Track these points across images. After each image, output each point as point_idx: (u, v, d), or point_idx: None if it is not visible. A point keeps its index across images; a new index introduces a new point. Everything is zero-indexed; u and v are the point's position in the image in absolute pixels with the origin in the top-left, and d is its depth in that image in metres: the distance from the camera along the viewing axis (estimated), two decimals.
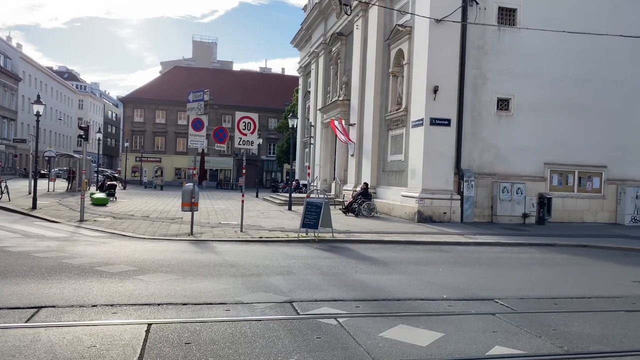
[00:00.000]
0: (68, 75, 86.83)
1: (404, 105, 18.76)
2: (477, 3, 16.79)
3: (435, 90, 16.40)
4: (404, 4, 18.99)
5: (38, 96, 18.92)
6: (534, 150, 17.64)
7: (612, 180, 18.56)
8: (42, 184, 27.46)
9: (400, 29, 18.90)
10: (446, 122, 16.70)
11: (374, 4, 20.56)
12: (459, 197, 16.74)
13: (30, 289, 6.03)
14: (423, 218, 16.24)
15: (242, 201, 14.02)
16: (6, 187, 20.58)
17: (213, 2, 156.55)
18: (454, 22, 16.28)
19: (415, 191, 16.73)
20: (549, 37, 16.94)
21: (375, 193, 20.18)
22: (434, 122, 16.58)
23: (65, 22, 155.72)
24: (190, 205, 12.53)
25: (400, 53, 19.30)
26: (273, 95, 59.48)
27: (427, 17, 16.29)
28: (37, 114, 17.91)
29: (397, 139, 19.52)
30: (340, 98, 25.88)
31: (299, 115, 36.44)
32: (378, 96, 20.99)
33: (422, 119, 16.70)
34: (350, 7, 19.01)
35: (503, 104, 17.65)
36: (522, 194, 17.26)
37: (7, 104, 56.92)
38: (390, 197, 19.15)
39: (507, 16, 17.56)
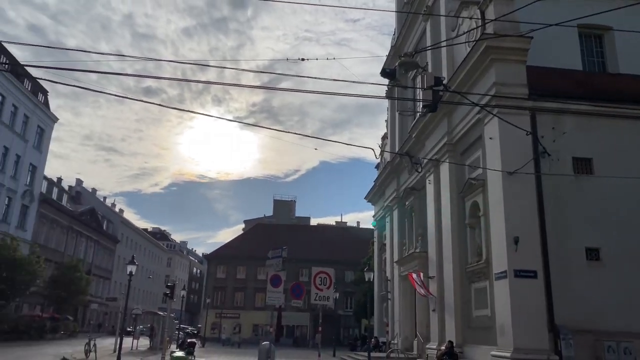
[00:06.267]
0: (160, 235, 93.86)
1: (484, 257, 18.19)
2: (549, 155, 16.93)
3: (516, 241, 15.88)
4: (474, 159, 19.55)
5: (132, 257, 20.47)
6: (637, 306, 15.94)
7: None
8: (127, 341, 28.15)
9: (472, 182, 19.20)
10: (532, 274, 15.80)
11: (444, 161, 21.33)
12: (557, 357, 15.05)
13: None
14: None
15: None
16: (94, 345, 21.33)
17: (296, 163, 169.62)
18: (527, 174, 16.36)
19: (507, 351, 15.30)
20: (631, 184, 16.40)
21: (462, 352, 18.66)
22: (519, 274, 15.74)
23: (164, 187, 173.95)
24: None
25: (475, 205, 19.33)
26: (349, 248, 60.06)
27: (498, 170, 16.55)
28: (130, 274, 19.19)
29: (480, 292, 18.57)
30: (417, 250, 25.64)
31: (375, 268, 36.10)
32: (456, 248, 20.59)
33: (505, 271, 15.97)
34: (421, 165, 19.85)
35: (592, 254, 16.60)
36: (631, 354, 15.23)
37: (104, 265, 61.60)
38: (479, 357, 17.58)
39: (582, 166, 17.42)
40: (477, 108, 17.85)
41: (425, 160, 23.21)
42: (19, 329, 34.91)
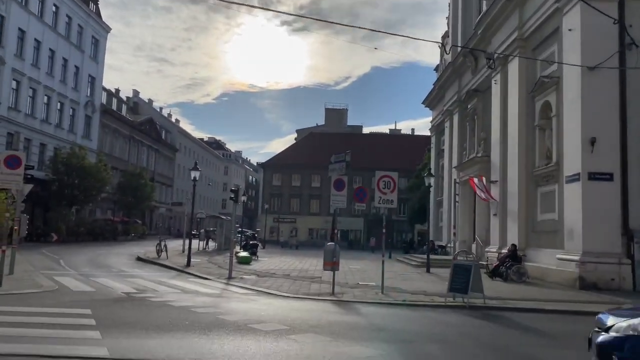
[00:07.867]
0: (216, 145, 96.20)
1: (554, 160, 17.28)
2: (637, 46, 15.21)
3: (593, 142, 14.86)
4: (548, 54, 17.96)
5: (195, 163, 20.91)
6: None
7: None
8: (193, 242, 29.86)
9: (545, 80, 17.80)
10: (608, 177, 14.92)
11: (515, 56, 19.75)
12: (629, 261, 14.58)
13: (194, 343, 6.24)
14: (586, 285, 14.32)
15: (383, 262, 13.63)
16: (165, 246, 22.71)
17: (347, 69, 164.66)
18: (609, 68, 14.87)
19: (575, 254, 14.93)
20: None
21: (524, 255, 18.46)
22: (593, 177, 14.91)
23: (215, 98, 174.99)
24: (331, 264, 12.50)
25: (546, 105, 18.08)
26: (403, 156, 59.41)
27: (577, 65, 15.13)
28: (194, 179, 19.73)
29: (547, 196, 17.91)
30: (479, 155, 24.83)
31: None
32: (523, 151, 19.67)
33: (578, 174, 15.15)
34: (493, 59, 18.36)
35: None
36: None
37: (166, 172, 64.37)
38: (543, 261, 17.35)
39: None
40: None
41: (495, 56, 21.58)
42: (94, 231, 37.74)
